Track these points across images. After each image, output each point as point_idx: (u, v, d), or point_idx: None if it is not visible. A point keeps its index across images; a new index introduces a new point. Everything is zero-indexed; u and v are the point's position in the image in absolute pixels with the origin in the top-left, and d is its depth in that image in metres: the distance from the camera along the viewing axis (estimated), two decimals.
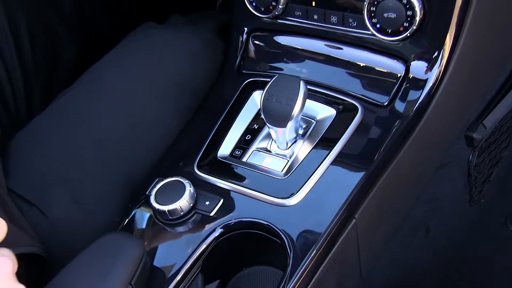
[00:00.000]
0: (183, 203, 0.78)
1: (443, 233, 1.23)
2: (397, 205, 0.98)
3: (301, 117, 0.83)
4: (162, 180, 0.81)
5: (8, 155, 0.90)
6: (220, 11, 1.52)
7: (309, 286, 0.73)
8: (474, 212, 1.28)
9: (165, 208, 0.77)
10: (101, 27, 1.30)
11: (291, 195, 0.79)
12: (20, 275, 0.60)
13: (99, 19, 1.29)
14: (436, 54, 0.85)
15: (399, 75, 0.88)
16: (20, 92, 1.12)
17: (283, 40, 0.98)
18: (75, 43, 1.23)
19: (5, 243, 0.62)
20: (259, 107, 0.88)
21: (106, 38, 1.22)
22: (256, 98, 0.93)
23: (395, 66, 0.89)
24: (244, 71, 1.00)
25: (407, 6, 0.81)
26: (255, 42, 1.01)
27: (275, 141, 0.85)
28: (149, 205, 0.80)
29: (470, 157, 1.15)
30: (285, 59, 0.98)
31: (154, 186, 0.81)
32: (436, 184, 1.16)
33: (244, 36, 1.01)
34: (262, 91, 0.84)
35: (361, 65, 0.92)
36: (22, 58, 1.12)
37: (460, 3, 0.81)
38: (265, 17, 0.95)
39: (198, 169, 0.85)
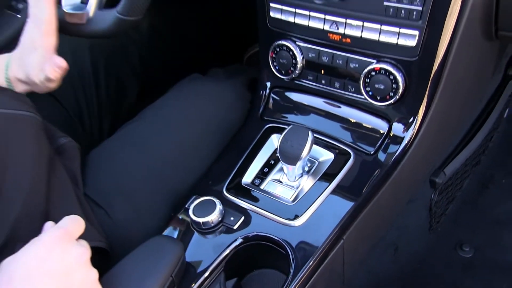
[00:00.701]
0: (213, 217, 0.79)
1: (408, 252, 1.23)
2: (376, 229, 0.98)
3: (308, 158, 0.84)
4: (199, 197, 0.82)
5: (84, 167, 0.91)
6: (247, 64, 1.55)
7: None
8: (432, 237, 1.29)
9: (200, 220, 0.79)
10: (158, 73, 1.31)
11: (296, 217, 0.80)
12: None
13: (156, 68, 1.30)
14: (411, 119, 0.86)
15: (383, 132, 0.89)
16: (95, 119, 1.14)
17: (297, 97, 0.98)
18: (138, 84, 1.25)
19: (82, 236, 0.64)
20: (275, 147, 0.90)
21: (161, 81, 1.23)
22: (274, 140, 0.93)
23: (381, 125, 0.90)
24: (265, 118, 1.00)
25: (393, 81, 0.82)
26: (275, 96, 1.01)
27: (286, 175, 0.85)
28: (188, 216, 0.81)
29: (432, 195, 1.15)
30: (297, 112, 0.98)
31: (192, 202, 0.82)
32: (405, 215, 1.16)
33: (267, 91, 1.01)
34: (279, 135, 0.86)
35: (355, 121, 0.92)
36: (99, 94, 1.14)
37: (429, 83, 0.82)
38: (284, 78, 0.96)
39: (227, 192, 0.86)
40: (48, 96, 1.06)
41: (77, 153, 0.91)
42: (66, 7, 0.93)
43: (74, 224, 0.65)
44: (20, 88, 0.90)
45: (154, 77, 1.30)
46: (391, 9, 0.79)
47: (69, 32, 0.93)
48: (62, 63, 0.84)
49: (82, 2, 0.96)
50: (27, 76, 0.87)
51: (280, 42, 0.93)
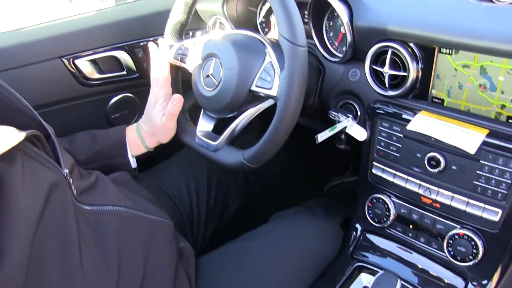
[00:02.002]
0: None
1: None
2: None
3: None
4: None
5: (195, 271, 1.00)
6: (327, 194, 1.64)
7: None
8: None
9: None
10: (256, 193, 1.42)
11: None
12: None
13: (256, 189, 1.41)
14: (486, 282, 0.91)
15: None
16: (202, 224, 1.24)
17: (385, 243, 1.05)
18: (239, 200, 1.35)
19: None
20: (363, 285, 0.96)
21: (258, 201, 1.35)
22: (363, 278, 0.99)
23: (458, 282, 0.95)
24: (355, 256, 1.06)
25: (474, 247, 0.90)
26: (365, 238, 1.08)
27: None
28: None
29: None
30: (384, 256, 1.04)
31: None
32: None
33: (359, 233, 1.10)
34: (367, 274, 0.94)
35: (435, 274, 0.98)
36: (209, 202, 1.26)
37: (506, 254, 0.89)
38: (376, 225, 1.05)
39: None
40: (170, 200, 1.20)
41: (192, 258, 1.02)
42: (199, 133, 1.09)
43: None
44: (149, 141, 1.10)
45: (253, 196, 1.41)
46: (479, 188, 0.89)
47: (196, 152, 1.08)
48: (178, 97, 1.05)
49: (213, 131, 1.11)
50: (152, 124, 1.08)
51: (378, 195, 1.04)
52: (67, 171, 0.76)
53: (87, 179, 0.87)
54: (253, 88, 0.95)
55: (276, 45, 0.96)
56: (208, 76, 1.01)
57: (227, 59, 0.97)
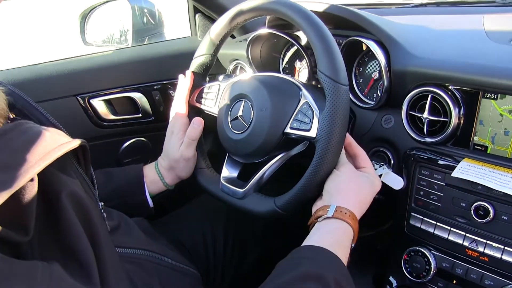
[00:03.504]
0: None
1: None
2: None
3: None
4: None
5: None
6: (357, 248, 1.56)
7: None
8: None
9: None
10: (278, 246, 1.33)
11: None
12: None
13: (277, 241, 1.32)
14: None
15: None
16: (219, 278, 1.16)
17: None
18: (257, 251, 1.27)
19: None
20: None
21: (280, 254, 1.27)
22: None
23: None
24: None
25: None
26: None
27: None
28: None
29: None
30: None
31: None
32: None
33: (394, 285, 1.02)
34: None
35: None
36: (226, 253, 1.18)
37: None
38: (414, 280, 0.97)
39: None
40: (187, 252, 1.12)
41: None
42: (223, 179, 1.02)
43: None
44: (169, 178, 1.03)
45: (272, 248, 1.29)
46: None
47: (220, 200, 1.01)
48: (199, 120, 1.01)
49: (238, 178, 1.05)
50: (170, 156, 1.01)
51: (416, 248, 0.96)
52: (102, 204, 0.69)
53: (110, 219, 0.80)
54: (288, 130, 0.90)
55: (309, 86, 0.92)
56: (236, 118, 0.96)
57: (259, 100, 0.92)
